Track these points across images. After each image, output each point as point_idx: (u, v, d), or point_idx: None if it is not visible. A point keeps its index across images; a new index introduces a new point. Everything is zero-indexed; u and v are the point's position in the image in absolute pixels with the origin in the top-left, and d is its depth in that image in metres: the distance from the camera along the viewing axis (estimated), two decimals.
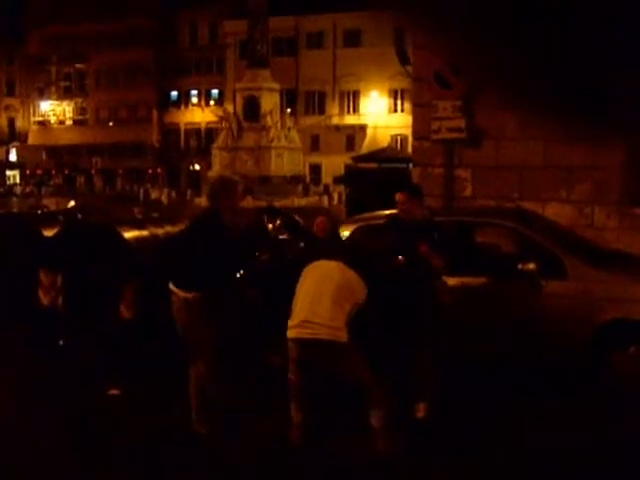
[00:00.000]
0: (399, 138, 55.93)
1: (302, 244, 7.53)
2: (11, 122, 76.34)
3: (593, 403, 6.29)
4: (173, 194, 52.53)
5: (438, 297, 6.34)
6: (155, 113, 69.30)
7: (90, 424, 6.08)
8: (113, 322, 6.83)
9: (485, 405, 6.40)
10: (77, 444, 5.73)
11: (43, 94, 74.92)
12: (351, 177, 25.58)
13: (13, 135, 75.97)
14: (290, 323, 5.57)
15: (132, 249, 7.55)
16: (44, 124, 74.88)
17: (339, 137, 61.14)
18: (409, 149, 25.99)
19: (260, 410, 6.27)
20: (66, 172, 70.27)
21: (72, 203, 20.97)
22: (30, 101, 75.42)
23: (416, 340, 6.12)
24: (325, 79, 61.85)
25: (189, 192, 52.75)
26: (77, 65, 71.99)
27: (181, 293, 5.82)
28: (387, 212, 7.09)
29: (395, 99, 59.70)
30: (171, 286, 5.88)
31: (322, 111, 62.69)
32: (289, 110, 54.97)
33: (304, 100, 62.98)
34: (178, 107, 69.35)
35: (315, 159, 59.76)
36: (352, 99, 61.96)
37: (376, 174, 24.22)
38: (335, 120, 62.12)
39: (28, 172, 71.86)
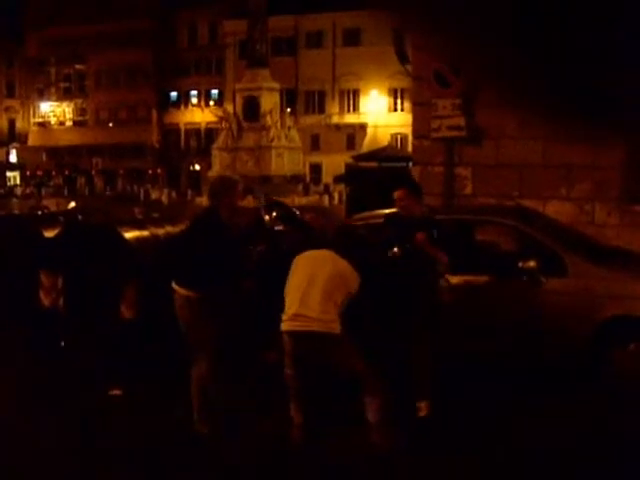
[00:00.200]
0: (399, 137, 55.94)
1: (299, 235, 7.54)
2: (11, 123, 76.36)
3: (593, 400, 6.29)
4: (173, 194, 52.56)
5: (437, 294, 6.34)
6: (155, 114, 69.29)
7: (91, 425, 6.08)
8: (114, 323, 6.83)
9: (485, 403, 6.40)
10: (77, 445, 5.73)
11: (43, 95, 74.94)
12: (351, 176, 25.58)
13: (13, 136, 75.99)
14: (283, 316, 5.58)
15: (133, 249, 7.55)
16: (44, 125, 74.90)
17: (339, 136, 61.15)
18: (409, 148, 25.96)
19: (260, 410, 6.26)
20: (66, 173, 70.28)
21: (72, 204, 20.95)
22: (30, 102, 75.45)
23: (412, 335, 6.12)
24: (325, 78, 61.87)
25: (189, 192, 52.79)
26: (77, 66, 72.00)
27: (182, 291, 5.84)
28: (387, 211, 7.10)
29: (395, 98, 59.71)
30: (173, 284, 5.90)
31: (322, 110, 62.70)
32: (289, 110, 54.96)
33: (304, 99, 62.99)
34: (178, 107, 69.35)
35: (315, 158, 59.76)
36: (352, 98, 61.97)
37: (376, 173, 24.22)
38: (335, 119, 62.15)
39: (28, 173, 71.89)
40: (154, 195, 53.55)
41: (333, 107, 62.48)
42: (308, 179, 55.21)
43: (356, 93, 61.68)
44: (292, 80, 60.92)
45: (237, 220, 6.17)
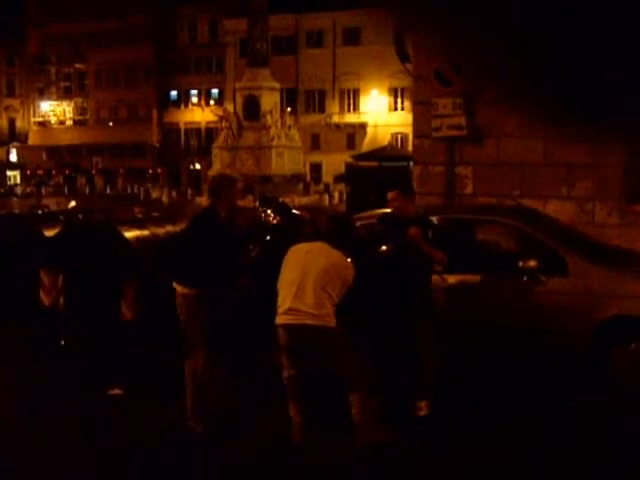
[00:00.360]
0: (399, 136, 55.92)
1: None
2: (11, 122, 76.37)
3: (594, 400, 6.28)
4: (174, 194, 52.53)
5: (430, 293, 6.33)
6: (155, 113, 69.28)
7: (91, 424, 6.07)
8: (114, 322, 6.83)
9: (485, 403, 6.39)
10: (77, 444, 5.73)
11: (43, 94, 74.95)
12: (352, 176, 25.61)
13: (13, 135, 76.00)
14: (278, 310, 5.57)
15: (133, 249, 7.56)
16: (44, 124, 74.91)
17: (339, 136, 61.15)
18: (409, 147, 25.95)
19: (260, 410, 6.26)
20: (67, 172, 70.27)
21: (73, 203, 20.96)
22: (30, 101, 75.46)
23: (409, 333, 6.11)
24: (325, 77, 61.84)
25: (190, 192, 52.74)
26: (77, 65, 72.00)
27: (181, 289, 5.87)
28: (384, 210, 7.10)
29: (395, 97, 59.69)
30: (173, 282, 5.92)
31: (322, 110, 62.67)
32: (289, 109, 54.92)
33: (304, 99, 62.97)
34: (178, 107, 69.32)
35: (315, 158, 59.75)
36: (352, 97, 61.94)
37: (377, 173, 24.23)
38: (335, 119, 62.12)
39: (29, 172, 71.89)
40: (154, 194, 53.54)
41: (333, 106, 62.46)
42: (308, 178, 55.19)
43: (356, 92, 61.65)
44: (292, 79, 60.91)
45: (236, 219, 6.18)
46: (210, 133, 61.27)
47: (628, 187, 10.07)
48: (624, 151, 10.03)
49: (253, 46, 46.69)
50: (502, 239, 7.93)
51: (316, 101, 63.00)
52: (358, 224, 7.05)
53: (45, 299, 7.13)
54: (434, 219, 7.03)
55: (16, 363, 7.59)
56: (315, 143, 61.18)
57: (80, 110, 73.82)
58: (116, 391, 6.70)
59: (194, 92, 68.49)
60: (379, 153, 35.87)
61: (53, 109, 74.62)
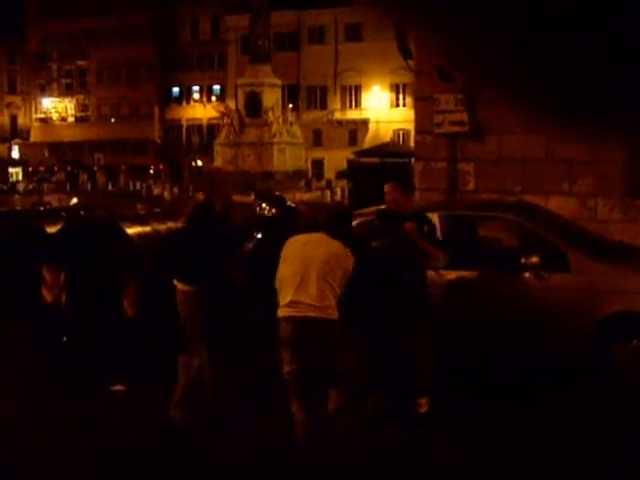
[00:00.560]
0: (401, 133, 55.88)
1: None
2: (13, 119, 76.39)
3: (595, 396, 6.27)
4: (175, 190, 52.46)
5: (426, 288, 6.33)
6: (157, 109, 69.26)
7: (91, 423, 6.06)
8: (116, 319, 6.83)
9: (486, 400, 6.39)
10: (78, 443, 5.72)
11: (44, 91, 74.94)
12: (354, 172, 25.61)
13: (15, 132, 76.01)
14: (280, 303, 5.55)
15: (135, 245, 7.55)
16: (46, 121, 74.93)
17: (341, 132, 61.12)
18: (411, 144, 25.94)
19: (260, 408, 6.24)
20: (69, 169, 70.26)
21: (75, 200, 20.95)
22: (32, 98, 75.46)
23: (404, 328, 6.11)
24: (327, 74, 61.79)
25: (191, 188, 52.65)
26: (78, 62, 71.98)
27: (181, 286, 5.88)
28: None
29: (397, 93, 59.65)
30: (174, 279, 5.94)
31: (324, 106, 62.64)
32: (291, 105, 54.91)
33: (306, 95, 62.94)
34: (180, 103, 69.31)
35: (317, 154, 59.72)
36: (354, 94, 61.90)
37: (379, 169, 24.22)
38: (337, 115, 62.09)
39: (30, 169, 71.88)
40: (156, 191, 53.43)
41: (335, 103, 62.42)
42: (310, 175, 55.16)
43: (358, 89, 61.61)
44: (294, 75, 60.86)
45: (230, 213, 6.16)
46: (212, 130, 61.27)
47: (630, 182, 10.06)
48: (626, 147, 10.02)
49: (255, 42, 46.66)
50: (504, 235, 7.92)
51: (318, 97, 62.97)
52: (358, 220, 7.05)
53: (47, 296, 7.11)
54: (435, 215, 7.04)
55: (18, 360, 7.59)
56: (317, 139, 61.16)
57: (82, 107, 73.83)
58: (118, 387, 6.71)
59: (196, 89, 68.48)
60: (381, 149, 35.84)
61: (55, 106, 74.62)
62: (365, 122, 60.95)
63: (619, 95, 9.64)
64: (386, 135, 53.56)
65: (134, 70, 68.88)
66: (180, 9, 66.48)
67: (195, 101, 68.79)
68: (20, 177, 71.20)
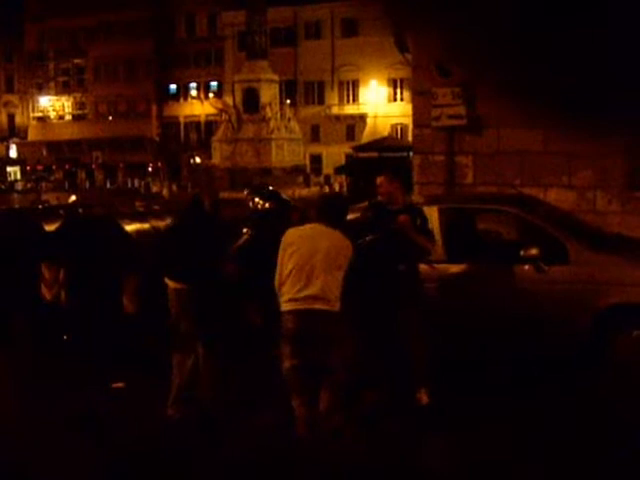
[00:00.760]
0: (399, 127, 55.87)
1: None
2: (10, 118, 76.27)
3: (595, 388, 6.28)
4: (174, 187, 52.47)
5: (418, 282, 6.32)
6: (154, 107, 69.17)
7: (91, 420, 6.06)
8: (115, 315, 6.83)
9: (485, 393, 6.39)
10: (79, 441, 5.72)
11: (42, 90, 74.80)
12: (352, 167, 25.60)
13: (13, 131, 75.90)
14: (285, 296, 5.52)
15: (133, 242, 7.55)
16: (43, 120, 74.81)
17: (339, 127, 61.09)
18: (409, 138, 25.93)
19: (259, 406, 6.24)
20: (67, 167, 70.20)
21: (73, 198, 20.96)
22: (29, 97, 75.33)
23: (396, 322, 6.10)
24: (324, 69, 61.72)
25: (190, 185, 52.62)
26: (75, 60, 71.87)
27: (172, 284, 5.88)
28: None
29: (394, 88, 59.57)
30: (165, 278, 5.94)
31: (322, 101, 62.58)
32: (288, 101, 54.83)
33: (303, 90, 62.87)
34: (177, 100, 69.22)
35: (316, 149, 59.69)
36: (351, 89, 61.84)
37: (377, 163, 24.22)
38: (335, 110, 62.04)
39: (29, 168, 71.80)
40: (155, 188, 53.48)
41: (333, 98, 62.36)
42: (309, 170, 55.12)
43: (355, 84, 61.54)
44: (291, 71, 60.80)
45: (219, 210, 6.14)
46: (210, 126, 61.20)
47: (629, 174, 10.05)
48: (625, 139, 10.00)
49: (252, 39, 46.53)
50: (503, 228, 7.92)
51: (315, 93, 62.91)
52: (355, 215, 7.03)
53: (47, 294, 7.12)
54: (434, 208, 7.04)
55: (18, 357, 7.60)
56: (315, 135, 61.12)
57: (79, 105, 73.71)
58: (118, 384, 6.71)
59: (193, 85, 68.38)
60: (379, 144, 35.81)
61: (52, 104, 74.49)
62: (363, 117, 60.91)
63: (618, 89, 9.63)
64: (384, 130, 53.53)
65: (131, 67, 68.80)
66: (177, 6, 66.35)
67: (192, 98, 68.69)
68: (18, 176, 71.17)
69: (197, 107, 67.69)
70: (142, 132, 67.73)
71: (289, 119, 47.69)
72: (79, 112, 73.78)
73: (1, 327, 8.13)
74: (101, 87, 70.65)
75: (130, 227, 8.22)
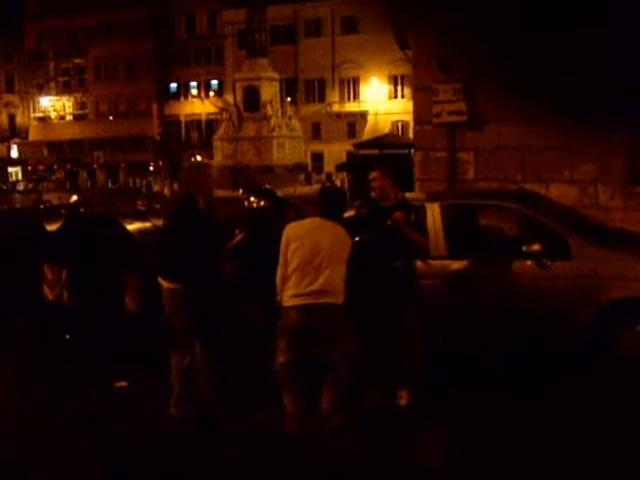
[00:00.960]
0: (400, 124, 55.81)
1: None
2: (11, 119, 76.28)
3: (597, 384, 6.27)
4: (175, 186, 52.42)
5: (414, 278, 6.30)
6: (155, 106, 69.18)
7: (92, 420, 6.05)
8: (118, 315, 6.82)
9: (485, 388, 6.38)
10: (79, 441, 5.71)
11: (42, 90, 74.82)
12: (353, 164, 25.56)
13: (14, 131, 75.93)
14: (291, 292, 5.50)
15: (135, 241, 7.55)
16: (44, 120, 74.82)
17: (340, 124, 61.05)
18: (410, 135, 25.93)
19: (259, 404, 6.23)
20: (68, 167, 70.23)
21: (74, 198, 20.94)
22: (29, 97, 75.33)
23: (391, 319, 6.10)
24: (324, 67, 61.67)
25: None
26: (75, 60, 71.87)
27: (166, 284, 5.87)
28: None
29: (395, 85, 59.52)
30: (158, 278, 5.93)
31: (322, 99, 62.55)
32: (289, 99, 54.80)
33: (304, 88, 62.84)
34: (178, 99, 69.20)
35: (317, 147, 59.66)
36: (352, 86, 61.79)
37: (378, 161, 24.18)
38: (336, 108, 62.00)
39: (30, 168, 71.83)
40: (156, 187, 53.46)
41: (333, 95, 62.32)
42: (310, 168, 55.08)
43: (356, 81, 61.49)
44: (292, 69, 60.78)
45: (212, 208, 6.12)
46: (210, 125, 61.20)
47: (631, 169, 10.04)
48: (625, 138, 9.98)
49: (252, 37, 46.51)
50: (505, 224, 7.91)
51: (316, 90, 62.87)
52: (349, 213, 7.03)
53: (49, 294, 7.10)
54: (436, 205, 7.03)
55: (20, 357, 7.60)
56: (316, 132, 61.09)
57: (80, 105, 73.71)
58: (121, 384, 6.71)
59: (194, 84, 68.34)
60: (380, 141, 35.74)
61: (53, 104, 74.50)
62: (364, 114, 60.87)
63: (618, 89, 9.62)
64: (385, 127, 53.49)
65: (131, 67, 68.78)
66: (177, 5, 66.32)
67: (193, 97, 68.66)
68: (19, 176, 71.18)
69: (198, 106, 67.69)
70: (143, 131, 67.73)
71: (290, 117, 47.68)
72: (80, 112, 73.78)
73: (1, 327, 8.14)
74: (101, 87, 70.64)
75: (132, 226, 8.22)
